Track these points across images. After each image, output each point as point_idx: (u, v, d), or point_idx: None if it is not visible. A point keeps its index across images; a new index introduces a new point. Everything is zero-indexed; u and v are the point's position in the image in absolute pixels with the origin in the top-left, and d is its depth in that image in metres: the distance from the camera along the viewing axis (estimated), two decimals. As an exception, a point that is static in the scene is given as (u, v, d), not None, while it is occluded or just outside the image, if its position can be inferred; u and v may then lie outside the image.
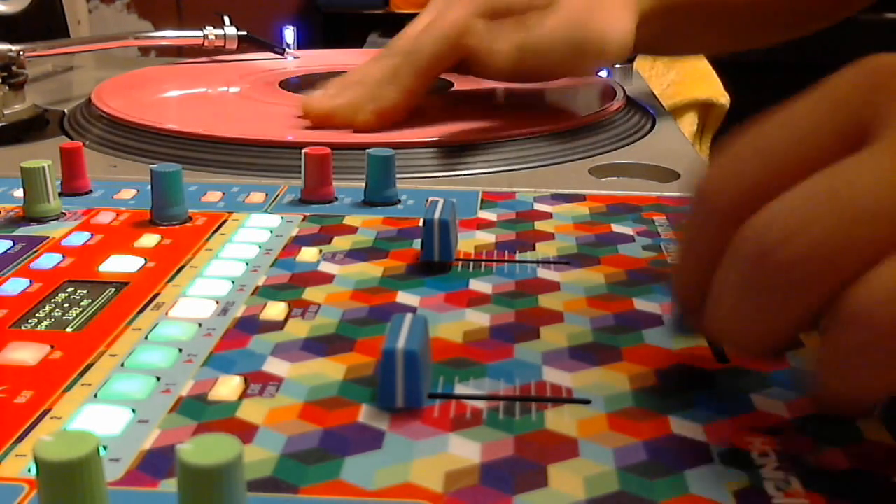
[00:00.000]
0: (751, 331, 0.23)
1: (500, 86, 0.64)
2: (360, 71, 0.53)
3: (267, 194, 0.43)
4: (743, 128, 0.25)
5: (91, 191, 0.43)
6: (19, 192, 0.41)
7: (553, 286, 0.33)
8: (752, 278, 0.23)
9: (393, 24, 1.05)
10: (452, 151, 0.48)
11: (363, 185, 0.42)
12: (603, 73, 0.71)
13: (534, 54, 0.50)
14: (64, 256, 0.35)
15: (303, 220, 0.40)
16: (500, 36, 0.50)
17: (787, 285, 0.22)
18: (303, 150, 0.42)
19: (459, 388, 0.26)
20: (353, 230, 0.39)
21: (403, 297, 0.32)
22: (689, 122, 1.14)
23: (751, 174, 0.24)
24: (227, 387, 0.26)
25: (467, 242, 0.37)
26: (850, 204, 0.21)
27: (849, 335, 0.21)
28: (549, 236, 0.38)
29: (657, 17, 0.54)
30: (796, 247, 0.22)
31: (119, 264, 0.35)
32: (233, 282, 0.33)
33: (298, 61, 0.76)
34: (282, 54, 0.76)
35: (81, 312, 0.31)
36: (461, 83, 0.64)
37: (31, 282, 0.33)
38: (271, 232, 0.38)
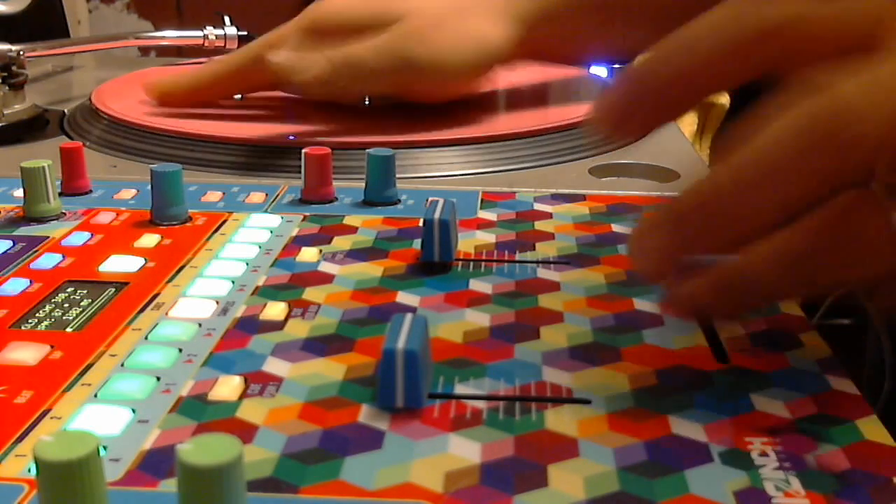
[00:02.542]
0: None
1: (499, 86, 0.64)
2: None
3: (267, 194, 0.43)
4: None
5: (91, 191, 0.43)
6: (19, 192, 0.41)
7: (553, 286, 0.33)
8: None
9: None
10: (452, 151, 0.48)
11: (363, 185, 0.42)
12: (604, 74, 0.71)
13: (349, 71, 0.49)
14: (64, 256, 0.35)
15: (303, 220, 0.40)
16: (307, 56, 0.50)
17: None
18: (303, 150, 0.42)
19: (459, 388, 0.26)
20: (353, 230, 0.39)
21: (403, 297, 0.32)
22: (689, 122, 1.14)
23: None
24: (227, 387, 0.26)
25: (467, 242, 0.37)
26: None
27: None
28: (549, 236, 0.38)
29: (555, 21, 0.53)
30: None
31: (119, 264, 0.35)
32: (233, 282, 0.33)
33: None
34: (282, 54, 0.76)
35: (81, 312, 0.31)
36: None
37: (31, 282, 0.33)
38: (271, 232, 0.38)
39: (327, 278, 0.34)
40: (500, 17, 0.52)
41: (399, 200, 0.42)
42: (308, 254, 0.36)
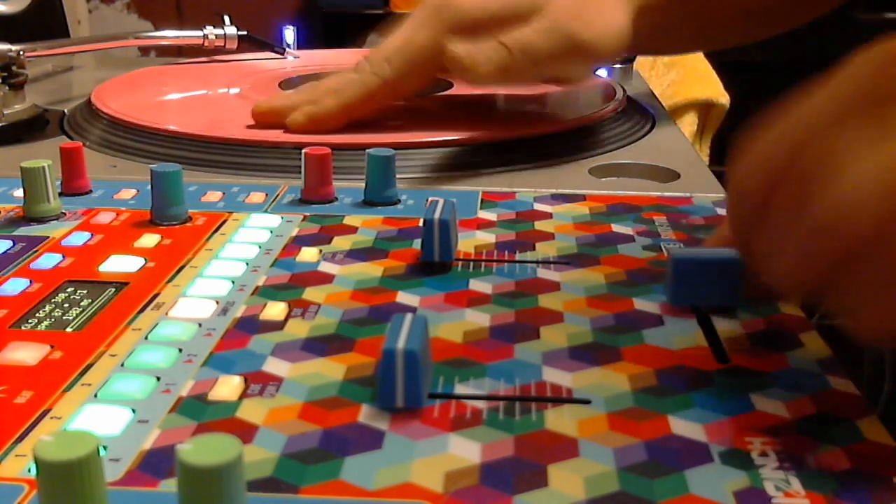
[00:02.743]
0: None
1: (499, 87, 0.64)
2: (327, 78, 0.54)
3: (267, 194, 0.43)
4: (770, 115, 0.27)
5: (91, 191, 0.43)
6: (19, 192, 0.41)
7: (553, 286, 0.33)
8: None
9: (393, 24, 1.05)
10: (452, 151, 0.48)
11: (363, 185, 0.42)
12: (603, 73, 0.71)
13: (524, 57, 0.49)
14: (64, 256, 0.35)
15: (303, 220, 0.40)
16: (482, 46, 0.49)
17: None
18: (303, 150, 0.42)
19: (459, 388, 0.26)
20: (353, 230, 0.39)
21: (403, 297, 0.32)
22: (689, 122, 1.14)
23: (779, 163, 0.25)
24: (227, 387, 0.26)
25: (467, 242, 0.37)
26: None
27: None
28: (549, 236, 0.38)
29: (647, 13, 0.54)
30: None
31: (119, 264, 0.35)
32: (233, 282, 0.33)
33: (298, 61, 0.76)
34: (282, 54, 0.76)
35: (81, 312, 0.31)
36: (461, 84, 0.64)
37: (31, 282, 0.33)
38: (271, 232, 0.38)
39: (327, 278, 0.34)
40: (619, 4, 0.52)
41: (399, 200, 0.42)
42: (308, 254, 0.36)
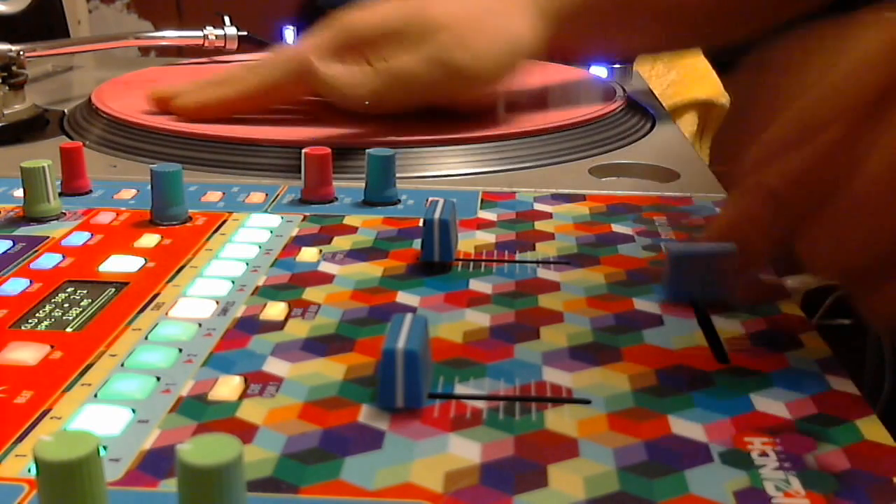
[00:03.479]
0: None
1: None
2: (227, 67, 0.57)
3: (267, 194, 0.43)
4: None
5: (91, 191, 0.43)
6: (19, 192, 0.41)
7: (553, 286, 0.33)
8: None
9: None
10: (452, 151, 0.48)
11: (363, 185, 0.42)
12: (604, 74, 0.71)
13: (400, 82, 0.50)
14: (64, 256, 0.35)
15: (303, 220, 0.40)
16: (356, 70, 0.50)
17: None
18: (303, 150, 0.42)
19: (459, 388, 0.26)
20: (353, 230, 0.39)
21: (403, 297, 0.32)
22: (689, 122, 1.14)
23: None
24: (227, 387, 0.26)
25: (467, 242, 0.37)
26: None
27: None
28: (549, 236, 0.38)
29: (577, 19, 0.54)
30: None
31: (119, 264, 0.35)
32: (233, 282, 0.33)
33: (298, 61, 0.76)
34: (282, 54, 0.76)
35: (81, 312, 0.31)
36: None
37: (31, 282, 0.33)
38: (271, 232, 0.38)
39: (327, 278, 0.34)
40: (527, 13, 0.52)
41: (399, 200, 0.42)
42: (308, 254, 0.36)
